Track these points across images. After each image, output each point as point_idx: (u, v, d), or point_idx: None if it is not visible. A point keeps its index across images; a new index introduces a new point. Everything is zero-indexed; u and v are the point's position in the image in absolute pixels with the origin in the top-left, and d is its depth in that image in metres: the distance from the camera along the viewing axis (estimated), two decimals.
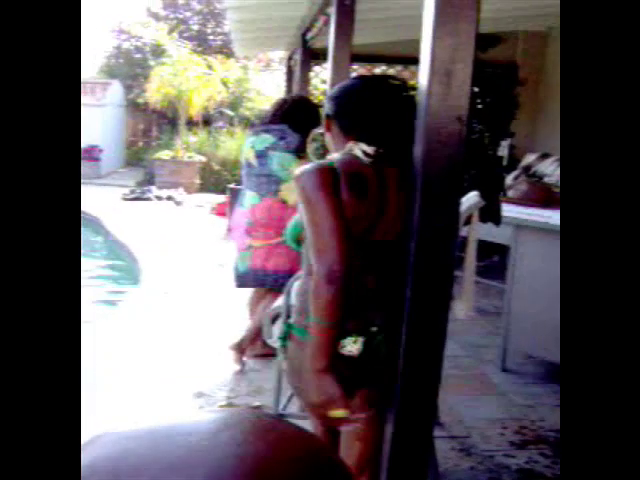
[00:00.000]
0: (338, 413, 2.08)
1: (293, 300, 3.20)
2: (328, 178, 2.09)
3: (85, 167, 17.33)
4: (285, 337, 2.35)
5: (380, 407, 2.24)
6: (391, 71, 10.22)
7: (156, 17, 23.63)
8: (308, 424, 3.72)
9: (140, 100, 19.09)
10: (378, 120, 2.27)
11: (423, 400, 2.14)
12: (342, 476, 0.68)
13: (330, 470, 0.66)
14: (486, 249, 5.73)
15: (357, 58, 7.68)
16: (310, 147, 4.28)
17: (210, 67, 16.57)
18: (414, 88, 2.33)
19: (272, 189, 4.43)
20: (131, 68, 21.86)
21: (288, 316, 3.37)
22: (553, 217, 4.63)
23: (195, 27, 24.72)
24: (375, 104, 2.30)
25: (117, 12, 26.88)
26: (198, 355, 5.03)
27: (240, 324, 5.75)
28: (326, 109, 2.37)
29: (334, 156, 2.25)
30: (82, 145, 17.37)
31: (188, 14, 25.09)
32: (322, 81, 13.10)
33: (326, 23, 5.67)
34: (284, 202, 4.41)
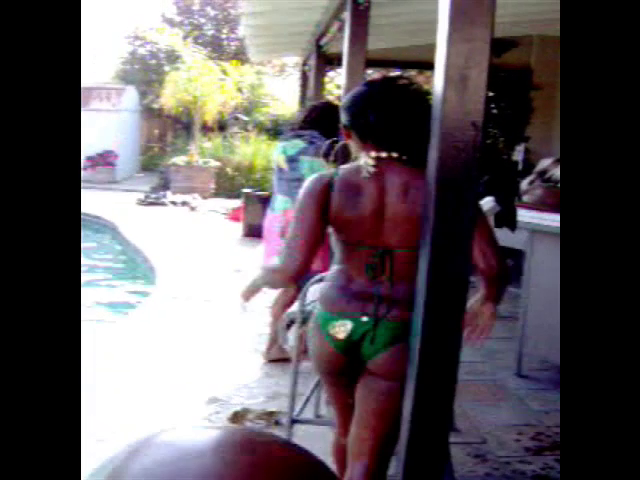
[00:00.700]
0: None
1: (308, 306, 3.20)
2: (320, 188, 2.36)
3: (100, 172, 17.42)
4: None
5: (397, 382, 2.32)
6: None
7: (171, 23, 23.72)
8: (322, 429, 3.72)
9: (155, 105, 19.16)
10: (386, 123, 2.35)
11: (439, 406, 2.13)
12: None
13: None
14: (501, 254, 5.70)
15: (372, 63, 7.67)
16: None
17: (224, 72, 16.60)
18: (426, 91, 2.36)
19: None
20: (146, 74, 21.91)
21: (304, 321, 3.38)
22: None
23: (210, 33, 24.79)
24: (382, 107, 2.37)
25: (132, 18, 26.96)
26: (214, 360, 5.03)
27: (256, 329, 5.75)
28: (342, 119, 2.48)
29: (345, 165, 2.44)
30: (98, 151, 17.47)
31: (203, 20, 25.17)
32: (336, 86, 13.13)
33: (340, 28, 5.67)
34: None
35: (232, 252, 9.50)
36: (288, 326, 4.77)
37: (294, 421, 3.34)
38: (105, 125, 17.74)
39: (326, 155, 4.41)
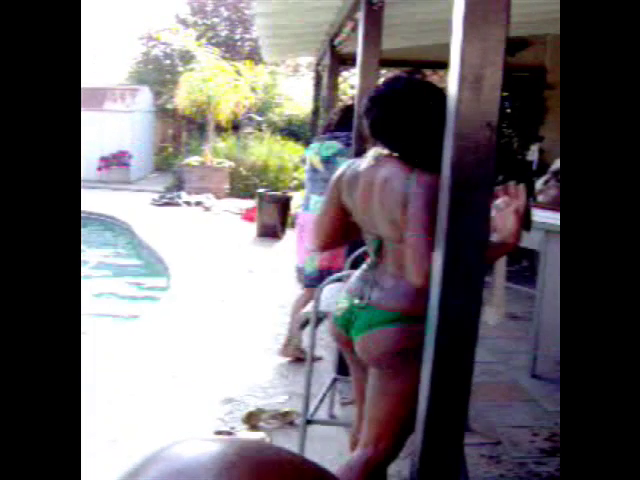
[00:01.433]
0: None
1: (323, 306, 3.20)
2: (337, 175, 2.65)
3: (114, 173, 17.47)
4: None
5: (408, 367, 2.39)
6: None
7: (184, 23, 23.74)
8: (336, 430, 3.72)
9: (169, 106, 19.19)
10: (382, 122, 2.47)
11: (453, 407, 2.13)
12: None
13: None
14: (515, 254, 5.69)
15: (386, 63, 7.66)
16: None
17: (238, 73, 16.61)
18: (433, 90, 2.42)
19: None
20: (160, 74, 21.95)
21: (319, 321, 3.38)
22: None
23: (223, 33, 24.81)
24: (382, 106, 2.47)
25: (146, 19, 27.04)
26: (228, 360, 5.04)
27: (271, 329, 5.76)
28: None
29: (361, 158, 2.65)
30: (112, 151, 17.52)
31: (216, 20, 25.19)
32: (350, 86, 13.13)
33: (354, 28, 5.66)
34: None
35: (246, 252, 9.51)
36: (302, 326, 4.80)
37: (308, 421, 3.34)
38: (119, 126, 17.79)
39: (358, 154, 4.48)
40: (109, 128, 17.31)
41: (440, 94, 2.44)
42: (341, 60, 8.28)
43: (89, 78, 18.98)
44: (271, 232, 10.50)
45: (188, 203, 14.08)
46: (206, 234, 10.82)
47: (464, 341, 2.07)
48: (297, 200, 11.42)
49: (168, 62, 22.07)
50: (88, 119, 14.97)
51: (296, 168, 15.13)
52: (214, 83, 15.71)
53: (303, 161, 11.59)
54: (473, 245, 2.00)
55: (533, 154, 9.21)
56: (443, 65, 2.01)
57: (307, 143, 12.02)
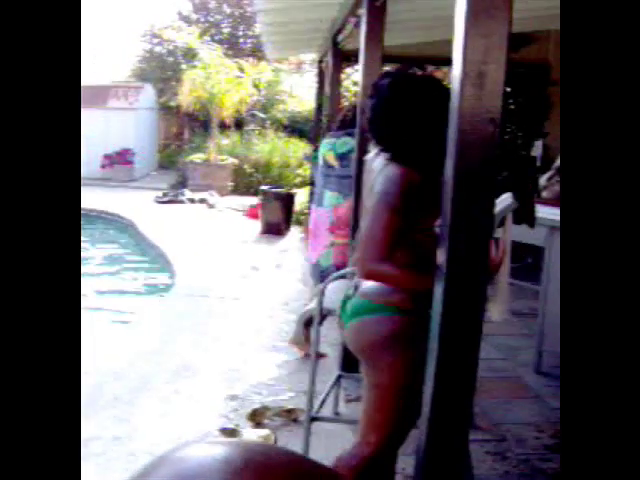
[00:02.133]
0: None
1: (327, 303, 3.20)
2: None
3: (118, 170, 17.45)
4: None
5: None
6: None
7: (187, 21, 23.71)
8: (340, 427, 3.72)
9: (172, 103, 19.16)
10: (371, 121, 2.52)
11: (458, 404, 2.12)
12: None
13: None
14: (520, 250, 5.68)
15: (388, 59, 7.64)
16: None
17: (242, 70, 16.60)
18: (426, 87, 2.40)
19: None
20: (163, 71, 21.93)
21: (323, 318, 3.38)
22: None
23: (226, 30, 24.79)
24: (371, 106, 2.50)
25: (149, 16, 27.06)
26: (232, 357, 5.04)
27: (275, 326, 5.76)
28: None
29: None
30: (115, 149, 17.51)
31: (219, 17, 25.17)
32: (354, 83, 13.10)
33: (357, 25, 5.66)
34: None
35: (250, 249, 9.51)
36: (307, 324, 4.79)
37: (313, 419, 3.34)
38: (123, 123, 17.77)
39: None
40: (112, 126, 17.30)
41: (431, 89, 2.43)
42: (344, 57, 8.27)
43: (92, 76, 19.00)
44: (275, 229, 10.49)
45: (192, 200, 14.07)
46: (210, 231, 10.82)
47: (468, 337, 2.06)
48: (301, 197, 11.42)
49: (171, 59, 22.05)
50: (91, 117, 14.98)
51: (300, 165, 15.12)
52: (217, 80, 15.70)
53: (307, 158, 11.59)
54: (477, 240, 1.99)
55: (537, 150, 9.19)
56: (447, 61, 2.00)
57: (310, 140, 12.02)
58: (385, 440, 2.52)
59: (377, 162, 2.51)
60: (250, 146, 16.96)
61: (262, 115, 19.45)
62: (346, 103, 9.03)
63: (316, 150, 10.75)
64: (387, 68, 9.94)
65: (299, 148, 16.30)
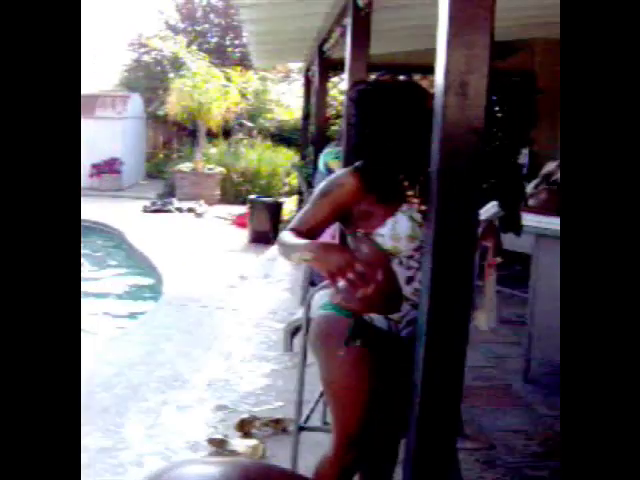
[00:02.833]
0: None
1: (314, 311, 3.19)
2: None
3: (106, 180, 17.42)
4: None
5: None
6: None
7: (175, 30, 23.75)
8: (329, 436, 3.70)
9: (160, 113, 19.16)
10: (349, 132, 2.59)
11: (445, 412, 2.12)
12: None
13: None
14: (508, 258, 5.69)
15: (374, 68, 7.66)
16: None
17: (229, 79, 16.62)
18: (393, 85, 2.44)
19: None
20: (150, 81, 21.94)
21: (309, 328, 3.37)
22: None
23: (213, 40, 24.84)
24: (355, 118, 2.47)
25: (136, 26, 27.09)
26: (220, 367, 5.03)
27: (263, 335, 5.75)
28: None
29: None
30: (103, 158, 17.47)
31: (206, 26, 25.21)
32: (340, 92, 13.13)
33: (343, 34, 5.68)
34: None
35: (238, 258, 9.50)
36: (293, 333, 4.78)
37: (301, 428, 3.32)
38: (110, 133, 17.75)
39: None
40: (100, 135, 17.26)
41: (402, 94, 2.38)
42: (330, 66, 8.30)
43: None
44: (263, 238, 10.48)
45: (180, 209, 14.06)
46: (198, 241, 10.80)
47: (454, 341, 2.06)
48: (289, 206, 11.42)
49: (159, 69, 22.06)
50: None
51: (287, 174, 15.13)
52: (204, 89, 15.71)
53: (295, 167, 11.60)
54: (461, 249, 2.00)
55: (524, 158, 9.23)
56: (433, 70, 2.00)
57: (299, 148, 12.02)
58: (343, 440, 2.50)
59: None
60: (238, 155, 16.96)
61: (249, 124, 19.46)
62: (333, 112, 9.06)
63: (304, 159, 10.76)
64: (373, 77, 9.98)
65: (287, 157, 16.32)
